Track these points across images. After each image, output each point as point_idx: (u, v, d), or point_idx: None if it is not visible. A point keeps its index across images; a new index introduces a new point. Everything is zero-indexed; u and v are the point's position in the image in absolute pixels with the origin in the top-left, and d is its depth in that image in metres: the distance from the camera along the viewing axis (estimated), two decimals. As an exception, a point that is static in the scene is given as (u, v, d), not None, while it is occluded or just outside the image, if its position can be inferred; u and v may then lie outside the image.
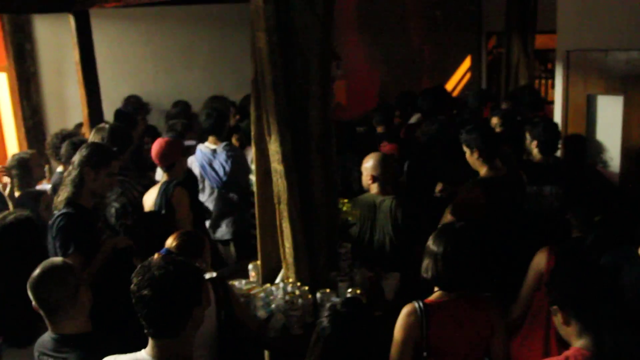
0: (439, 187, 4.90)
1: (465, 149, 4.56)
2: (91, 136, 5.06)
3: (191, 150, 5.46)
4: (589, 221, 3.41)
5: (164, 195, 4.44)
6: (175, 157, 4.60)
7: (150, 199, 4.56)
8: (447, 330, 2.86)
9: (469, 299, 2.92)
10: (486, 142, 4.45)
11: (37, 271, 2.73)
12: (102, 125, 5.09)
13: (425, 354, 2.83)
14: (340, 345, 2.35)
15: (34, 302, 2.73)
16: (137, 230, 3.81)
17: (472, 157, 4.51)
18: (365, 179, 4.48)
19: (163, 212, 4.33)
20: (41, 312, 2.74)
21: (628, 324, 2.31)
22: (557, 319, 2.47)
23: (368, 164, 4.45)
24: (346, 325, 2.38)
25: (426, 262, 2.92)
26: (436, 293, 2.95)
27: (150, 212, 4.40)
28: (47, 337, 2.77)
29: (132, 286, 2.26)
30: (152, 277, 2.22)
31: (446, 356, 2.88)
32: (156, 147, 4.60)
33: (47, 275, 2.71)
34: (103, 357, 2.46)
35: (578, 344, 2.39)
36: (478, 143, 4.44)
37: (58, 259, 2.82)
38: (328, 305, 2.50)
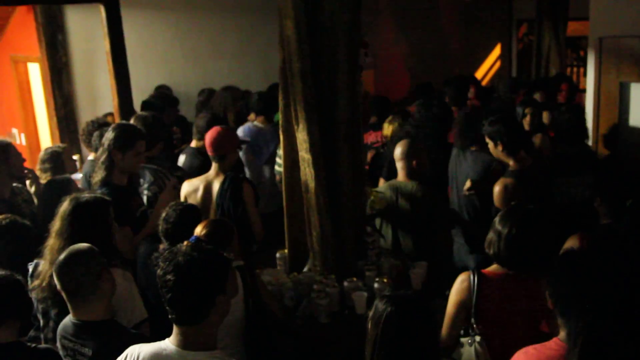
0: (467, 184, 4.83)
1: (488, 140, 4.50)
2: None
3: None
4: (619, 207, 3.37)
5: (234, 190, 4.35)
6: (228, 148, 4.47)
7: (195, 191, 4.50)
8: (496, 302, 2.92)
9: (525, 276, 2.96)
10: (509, 134, 4.40)
11: (62, 255, 2.79)
12: (141, 113, 5.18)
13: (472, 320, 2.91)
14: (407, 327, 2.32)
15: (58, 285, 2.78)
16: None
17: (496, 150, 4.47)
18: (397, 165, 4.49)
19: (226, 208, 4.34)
20: (63, 295, 2.79)
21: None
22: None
23: (397, 150, 4.45)
24: (408, 305, 2.37)
25: (490, 237, 3.01)
26: (495, 265, 3.03)
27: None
28: (68, 321, 2.83)
29: (158, 271, 2.32)
30: (177, 263, 2.28)
31: (494, 326, 2.92)
32: (211, 135, 4.47)
33: (71, 259, 2.76)
34: (121, 345, 2.50)
35: (560, 335, 2.36)
36: (501, 136, 4.39)
37: (84, 245, 2.86)
38: (377, 300, 2.47)
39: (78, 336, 2.76)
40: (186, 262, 2.27)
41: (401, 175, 4.43)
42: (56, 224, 3.33)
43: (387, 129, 5.82)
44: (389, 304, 2.36)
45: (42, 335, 3.33)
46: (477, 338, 2.87)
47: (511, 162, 4.40)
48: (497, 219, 3.02)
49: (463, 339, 2.91)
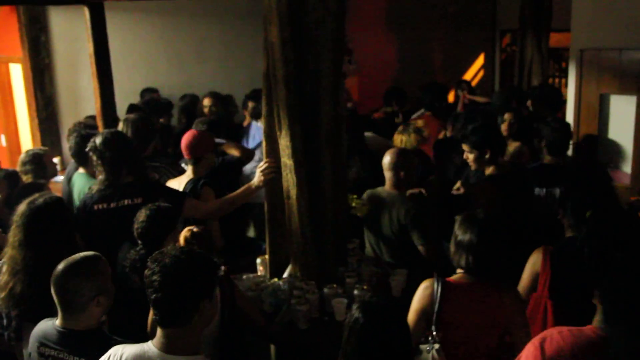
0: (457, 184, 4.85)
1: (470, 149, 4.47)
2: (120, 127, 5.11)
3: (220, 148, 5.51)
4: (580, 218, 3.35)
5: (191, 194, 4.30)
6: (204, 151, 4.50)
7: None
8: (458, 310, 2.89)
9: (488, 285, 2.94)
10: (497, 141, 4.44)
11: (61, 266, 2.70)
12: (129, 116, 5.18)
13: (433, 327, 2.88)
14: (374, 334, 2.33)
15: (52, 289, 2.71)
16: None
17: (479, 159, 4.45)
18: (384, 174, 4.50)
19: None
20: (55, 300, 2.72)
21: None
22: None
23: (385, 159, 4.45)
24: (378, 313, 2.37)
25: (455, 249, 2.97)
26: (458, 274, 2.99)
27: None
28: (51, 328, 2.74)
29: (146, 271, 2.34)
30: (164, 264, 2.30)
31: (458, 335, 2.90)
32: (186, 138, 4.49)
33: (69, 274, 2.68)
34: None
35: (596, 322, 2.46)
36: (490, 143, 4.40)
37: (89, 259, 2.75)
38: (355, 304, 2.48)
39: (63, 344, 2.68)
40: (172, 264, 2.29)
41: (388, 184, 4.43)
42: (13, 232, 3.30)
43: (396, 139, 5.59)
44: (358, 310, 2.38)
45: (5, 334, 3.34)
46: (436, 346, 2.83)
47: (490, 168, 4.42)
48: (455, 228, 2.99)
49: (422, 346, 2.86)
